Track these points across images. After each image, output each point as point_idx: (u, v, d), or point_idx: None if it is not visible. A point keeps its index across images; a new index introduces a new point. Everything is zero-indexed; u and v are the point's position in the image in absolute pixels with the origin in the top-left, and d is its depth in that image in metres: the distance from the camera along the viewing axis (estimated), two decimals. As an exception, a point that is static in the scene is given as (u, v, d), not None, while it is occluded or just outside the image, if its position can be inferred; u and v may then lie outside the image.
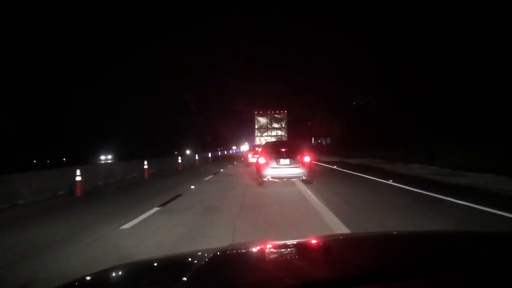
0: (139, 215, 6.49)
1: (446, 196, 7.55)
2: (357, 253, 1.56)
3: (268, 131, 30.04)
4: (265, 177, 10.45)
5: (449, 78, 22.37)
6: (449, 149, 15.26)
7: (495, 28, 19.55)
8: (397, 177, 11.55)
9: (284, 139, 27.38)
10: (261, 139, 29.10)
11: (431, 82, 23.83)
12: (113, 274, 1.55)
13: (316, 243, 1.83)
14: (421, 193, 8.30)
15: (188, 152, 45.84)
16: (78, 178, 10.07)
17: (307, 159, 10.51)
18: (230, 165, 23.37)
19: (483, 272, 1.11)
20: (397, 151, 20.08)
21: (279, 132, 29.99)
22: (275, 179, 10.59)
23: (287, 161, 10.44)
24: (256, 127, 30.57)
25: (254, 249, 1.75)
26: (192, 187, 11.13)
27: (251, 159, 19.90)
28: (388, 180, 10.83)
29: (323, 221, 5.69)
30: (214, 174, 16.25)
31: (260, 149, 15.33)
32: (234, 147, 72.92)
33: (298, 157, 10.51)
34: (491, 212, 5.96)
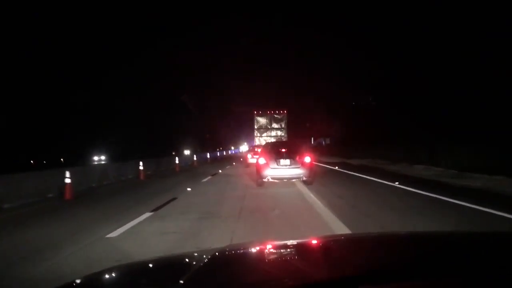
0: (129, 222, 5.97)
1: (467, 202, 6.78)
2: (357, 254, 1.55)
3: (268, 132, 29.72)
4: (265, 178, 10.31)
5: (449, 78, 22.33)
6: (449, 149, 15.19)
7: (495, 28, 19.57)
8: (404, 180, 11.02)
9: (284, 140, 27.02)
10: (261, 140, 28.78)
11: (431, 82, 23.82)
12: (112, 275, 1.53)
13: (315, 243, 1.79)
14: (439, 198, 7.52)
15: (186, 152, 45.27)
16: (68, 181, 9.54)
17: (307, 159, 10.38)
18: (229, 166, 22.88)
19: (483, 272, 1.09)
20: (397, 151, 19.95)
21: (279, 133, 29.68)
22: (275, 179, 10.43)
23: (287, 161, 10.32)
24: (256, 127, 30.24)
25: (254, 250, 1.73)
26: (189, 189, 10.63)
27: (251, 159, 19.46)
28: (394, 183, 10.34)
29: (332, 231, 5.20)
30: (213, 175, 15.76)
31: (259, 150, 15.05)
32: (232, 148, 72.46)
33: (299, 157, 10.38)
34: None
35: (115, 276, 1.51)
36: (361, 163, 20.08)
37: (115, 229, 5.48)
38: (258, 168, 10.59)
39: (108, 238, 5.01)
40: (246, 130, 43.63)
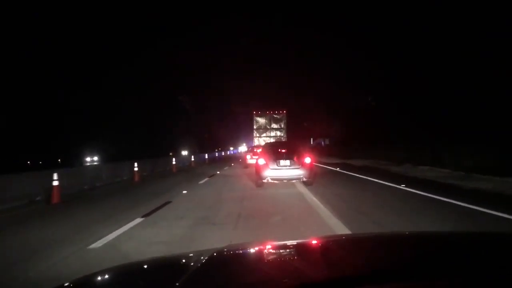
0: (116, 229, 5.44)
1: (486, 208, 6.16)
2: (357, 254, 1.52)
3: (267, 132, 29.31)
4: (264, 179, 10.10)
5: (449, 78, 22.27)
6: (450, 150, 14.99)
7: (495, 28, 19.58)
8: (411, 182, 10.47)
9: (283, 140, 26.63)
10: (260, 140, 28.38)
11: (431, 82, 23.76)
12: (111, 275, 1.51)
13: (315, 243, 1.77)
14: (454, 203, 6.84)
15: (184, 153, 44.67)
16: (55, 183, 8.98)
17: (307, 160, 10.17)
18: (227, 167, 22.37)
19: (483, 272, 1.08)
20: (397, 152, 19.71)
21: (278, 133, 29.27)
22: (275, 180, 10.21)
23: (287, 162, 10.12)
24: (255, 127, 29.82)
25: (252, 250, 1.70)
26: (184, 192, 10.11)
27: (250, 160, 19.00)
28: (400, 185, 9.83)
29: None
30: (210, 176, 15.25)
31: (259, 150, 14.68)
32: (231, 148, 71.95)
33: (299, 158, 10.15)
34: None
35: (114, 276, 1.50)
36: (363, 163, 19.56)
37: (100, 237, 4.95)
38: (257, 169, 10.40)
39: (89, 249, 4.47)
40: (245, 131, 43.30)
